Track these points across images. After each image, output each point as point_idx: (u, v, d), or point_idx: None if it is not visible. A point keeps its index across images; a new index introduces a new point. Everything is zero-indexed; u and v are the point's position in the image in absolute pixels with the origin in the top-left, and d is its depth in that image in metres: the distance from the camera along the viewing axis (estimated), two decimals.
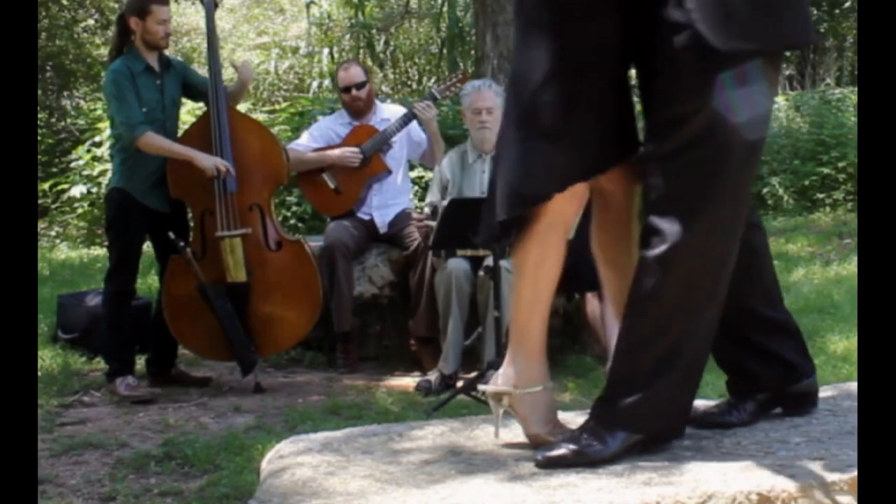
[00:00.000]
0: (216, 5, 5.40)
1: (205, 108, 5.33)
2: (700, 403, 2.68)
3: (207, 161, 5.05)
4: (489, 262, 4.72)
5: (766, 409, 2.62)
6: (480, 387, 2.50)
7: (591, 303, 5.51)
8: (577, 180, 2.36)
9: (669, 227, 2.31)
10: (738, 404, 2.60)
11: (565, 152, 2.34)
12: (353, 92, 5.84)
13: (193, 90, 5.33)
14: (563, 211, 2.40)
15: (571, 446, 2.32)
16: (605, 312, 5.43)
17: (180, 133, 5.33)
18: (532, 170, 2.33)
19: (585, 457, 2.30)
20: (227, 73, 5.45)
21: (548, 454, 2.32)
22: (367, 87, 5.89)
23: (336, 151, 5.78)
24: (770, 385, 2.60)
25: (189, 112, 5.74)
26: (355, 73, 5.91)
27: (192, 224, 5.33)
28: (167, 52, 5.29)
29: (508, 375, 2.45)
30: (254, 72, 5.53)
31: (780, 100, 11.36)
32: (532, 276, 2.42)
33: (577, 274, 5.51)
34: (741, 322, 2.56)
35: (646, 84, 2.43)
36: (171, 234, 5.04)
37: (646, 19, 2.32)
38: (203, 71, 6.24)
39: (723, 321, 2.46)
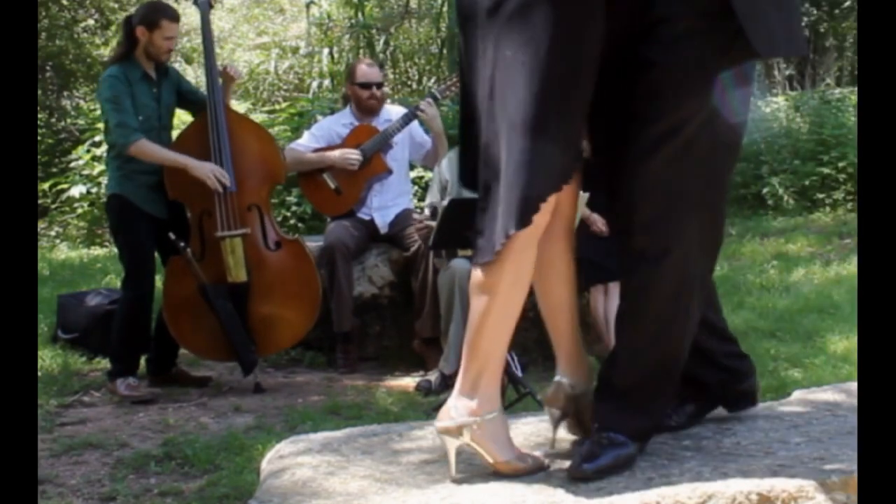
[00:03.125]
0: (210, 6, 5.39)
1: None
2: None
3: (203, 170, 5.03)
4: None
5: (706, 410, 2.61)
6: (436, 424, 2.29)
7: (596, 298, 5.50)
8: (568, 180, 2.27)
9: (670, 229, 2.32)
10: (678, 407, 2.56)
11: (562, 152, 2.26)
12: (374, 90, 5.87)
13: (184, 99, 5.31)
14: (539, 225, 2.26)
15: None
16: (609, 309, 5.42)
17: (177, 133, 5.32)
18: (538, 172, 2.22)
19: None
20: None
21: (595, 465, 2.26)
22: (382, 88, 5.97)
23: (336, 153, 5.77)
24: (714, 387, 2.59)
25: (188, 112, 5.71)
26: (377, 72, 6.01)
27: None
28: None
29: (466, 406, 2.25)
30: (242, 72, 5.43)
31: (780, 100, 11.35)
32: (506, 295, 2.27)
33: (578, 272, 5.57)
34: None
35: (613, 90, 2.34)
36: (172, 235, 5.04)
37: (628, 28, 2.30)
38: (202, 72, 6.21)
39: None
